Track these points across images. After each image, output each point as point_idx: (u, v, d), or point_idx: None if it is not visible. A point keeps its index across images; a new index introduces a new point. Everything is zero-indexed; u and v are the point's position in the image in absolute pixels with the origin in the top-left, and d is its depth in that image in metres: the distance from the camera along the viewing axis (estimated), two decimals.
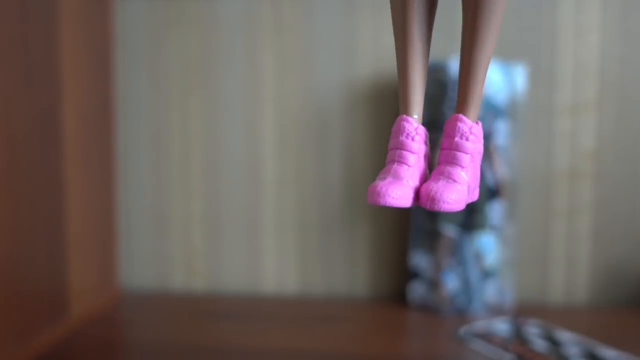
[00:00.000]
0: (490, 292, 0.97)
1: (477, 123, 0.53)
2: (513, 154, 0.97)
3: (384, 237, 1.06)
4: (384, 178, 0.51)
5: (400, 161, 0.52)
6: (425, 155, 0.53)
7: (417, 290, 0.99)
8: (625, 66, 1.00)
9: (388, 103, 1.04)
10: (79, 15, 0.92)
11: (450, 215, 0.95)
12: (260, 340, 0.85)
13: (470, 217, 0.95)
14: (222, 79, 1.07)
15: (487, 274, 0.96)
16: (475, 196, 0.55)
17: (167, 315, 0.97)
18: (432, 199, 0.49)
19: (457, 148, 0.51)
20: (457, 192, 0.49)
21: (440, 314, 0.96)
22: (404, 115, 0.53)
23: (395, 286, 1.07)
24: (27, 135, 0.79)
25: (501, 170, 0.95)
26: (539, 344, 0.81)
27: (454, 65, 0.93)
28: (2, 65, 0.73)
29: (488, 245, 0.95)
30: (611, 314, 0.98)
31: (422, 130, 0.53)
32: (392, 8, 0.53)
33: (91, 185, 0.97)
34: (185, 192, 1.10)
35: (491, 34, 0.50)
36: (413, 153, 0.52)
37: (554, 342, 0.82)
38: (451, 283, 0.96)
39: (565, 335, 0.85)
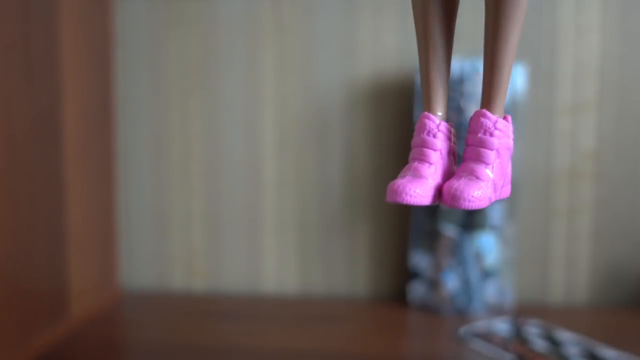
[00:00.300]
0: (490, 292, 0.97)
1: (505, 118, 0.52)
2: (513, 154, 0.97)
3: (384, 237, 1.06)
4: (404, 176, 0.51)
5: (422, 159, 0.51)
6: (449, 152, 0.52)
7: (417, 290, 0.99)
8: (625, 66, 1.00)
9: (388, 103, 1.04)
10: (79, 15, 0.92)
11: (450, 215, 0.95)
12: (260, 340, 0.85)
13: (470, 217, 0.95)
14: (222, 79, 1.07)
15: (487, 274, 0.96)
16: (505, 193, 0.54)
17: (167, 315, 0.97)
18: (454, 197, 0.48)
19: (481, 144, 0.50)
20: (480, 189, 0.48)
21: (440, 314, 0.96)
22: (426, 112, 0.52)
23: (395, 286, 1.07)
24: (27, 135, 0.79)
25: None
26: (539, 344, 0.81)
27: (454, 65, 0.93)
28: (2, 65, 0.73)
29: (488, 245, 0.95)
30: (611, 314, 0.98)
31: (444, 126, 0.52)
32: (413, 6, 0.52)
33: (91, 185, 0.97)
34: (185, 192, 1.10)
35: (514, 27, 0.49)
36: (435, 150, 0.51)
37: (554, 342, 0.82)
38: (451, 283, 0.96)
39: (565, 335, 0.85)
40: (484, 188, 0.48)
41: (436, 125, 0.52)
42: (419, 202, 0.49)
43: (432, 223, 0.96)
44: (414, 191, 0.49)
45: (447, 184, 0.50)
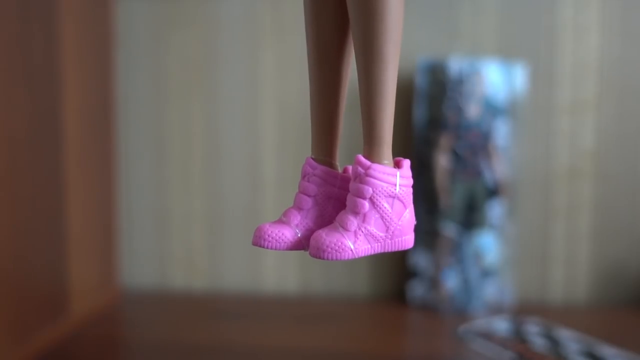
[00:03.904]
0: (490, 290, 0.97)
1: (397, 163, 0.49)
2: (513, 153, 0.97)
3: None
4: (277, 219, 0.51)
5: (295, 204, 0.50)
6: (332, 198, 0.50)
7: (417, 289, 0.99)
8: (625, 66, 1.00)
9: None
10: (79, 15, 0.92)
11: (450, 214, 0.95)
12: (260, 338, 0.86)
13: (470, 216, 0.95)
14: (222, 79, 1.07)
15: (486, 273, 0.96)
16: (404, 244, 0.49)
17: (167, 313, 0.97)
18: (313, 246, 0.47)
19: (354, 192, 0.48)
20: (340, 239, 0.46)
21: (440, 313, 0.96)
22: (308, 156, 0.52)
23: (395, 285, 1.07)
24: (28, 135, 0.79)
25: (501, 170, 0.95)
26: (539, 343, 0.81)
27: (453, 65, 0.93)
28: (3, 65, 0.74)
29: (488, 244, 0.96)
30: (610, 312, 0.98)
31: (325, 172, 0.50)
32: (307, 50, 0.50)
33: (92, 184, 0.97)
34: (185, 191, 1.10)
35: (390, 49, 0.46)
36: (309, 196, 0.50)
37: (553, 341, 0.82)
38: (451, 282, 0.96)
39: (564, 334, 0.85)
40: (347, 239, 0.46)
41: (312, 170, 0.50)
42: (273, 247, 0.48)
43: (432, 222, 0.97)
44: (269, 236, 0.48)
45: (314, 232, 0.48)
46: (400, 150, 1.04)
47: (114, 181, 1.06)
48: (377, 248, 0.48)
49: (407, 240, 0.50)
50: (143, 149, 1.10)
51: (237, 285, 1.10)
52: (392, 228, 0.48)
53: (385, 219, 0.48)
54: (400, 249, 0.49)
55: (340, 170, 0.52)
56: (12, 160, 0.76)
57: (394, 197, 0.48)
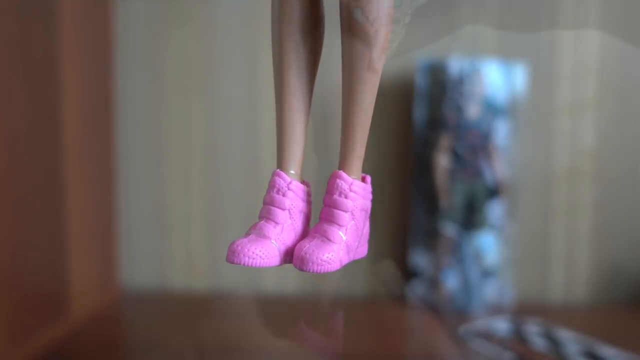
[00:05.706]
0: (490, 291, 0.97)
1: (363, 179, 0.52)
2: (513, 154, 0.97)
3: (383, 236, 1.07)
4: (248, 234, 0.49)
5: (268, 218, 0.50)
6: (301, 212, 0.51)
7: (417, 289, 0.99)
8: (625, 66, 1.00)
9: (388, 102, 1.05)
10: (79, 15, 0.92)
11: (450, 214, 0.95)
12: (260, 339, 0.86)
13: (470, 216, 0.95)
14: (222, 79, 1.07)
15: (486, 273, 0.96)
16: (361, 253, 0.52)
17: (167, 314, 0.97)
18: (302, 259, 0.47)
19: (336, 205, 0.49)
20: (330, 252, 0.47)
21: (439, 313, 0.96)
22: (277, 170, 0.52)
23: (395, 285, 1.07)
24: (27, 134, 0.79)
25: (501, 170, 0.95)
26: (539, 343, 0.81)
27: (453, 65, 0.93)
28: (2, 64, 0.73)
29: (488, 244, 0.96)
30: (611, 313, 0.98)
31: (296, 186, 0.51)
32: (273, 57, 0.52)
33: (91, 184, 0.97)
34: (185, 191, 1.10)
35: (367, 90, 0.50)
36: (283, 210, 0.50)
37: (553, 341, 0.82)
38: (451, 282, 0.96)
39: (565, 334, 0.85)
40: (335, 251, 0.47)
41: (286, 184, 0.51)
42: (258, 264, 0.47)
43: (431, 222, 0.96)
44: (253, 252, 0.47)
45: (298, 245, 0.48)
46: (400, 151, 1.04)
47: (114, 181, 1.05)
48: (351, 257, 0.50)
49: (365, 249, 0.53)
50: (143, 149, 1.10)
51: (237, 285, 1.10)
52: (360, 239, 0.51)
53: (357, 231, 0.50)
54: (358, 257, 0.52)
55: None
56: (12, 160, 0.76)
57: (365, 211, 0.51)
